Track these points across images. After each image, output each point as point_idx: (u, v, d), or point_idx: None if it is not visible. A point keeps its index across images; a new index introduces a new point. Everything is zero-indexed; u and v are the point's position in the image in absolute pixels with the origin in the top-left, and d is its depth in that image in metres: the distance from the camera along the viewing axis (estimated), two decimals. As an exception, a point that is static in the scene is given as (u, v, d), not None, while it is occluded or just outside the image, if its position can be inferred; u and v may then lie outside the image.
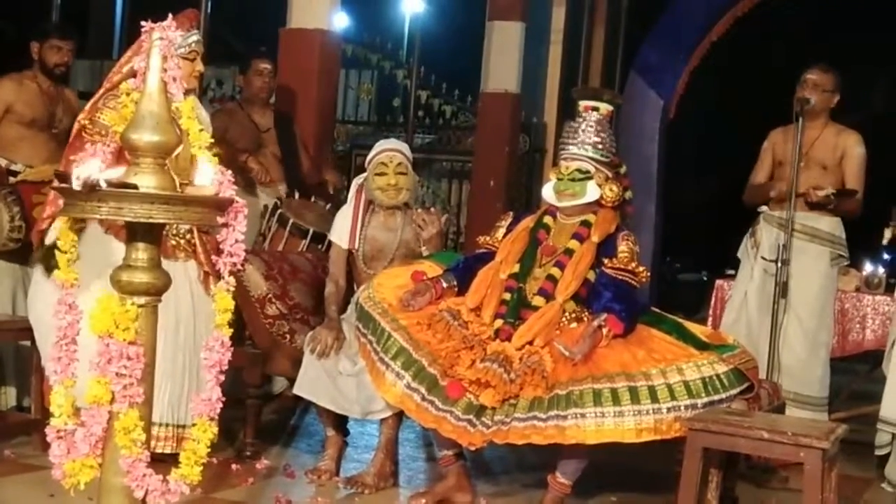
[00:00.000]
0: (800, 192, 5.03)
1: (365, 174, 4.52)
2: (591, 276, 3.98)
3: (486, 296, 4.00)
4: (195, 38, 4.13)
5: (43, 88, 5.14)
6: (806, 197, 5.07)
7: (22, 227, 4.66)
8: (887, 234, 5.40)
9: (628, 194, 4.17)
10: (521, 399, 3.71)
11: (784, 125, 5.29)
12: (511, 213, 4.35)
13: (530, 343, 3.83)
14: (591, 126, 4.07)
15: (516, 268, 4.04)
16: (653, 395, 3.64)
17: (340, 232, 4.52)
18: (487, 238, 4.27)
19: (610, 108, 4.16)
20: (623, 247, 4.01)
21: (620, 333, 3.82)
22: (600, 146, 4.06)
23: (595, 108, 4.10)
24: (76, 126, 4.10)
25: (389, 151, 4.47)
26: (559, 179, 4.08)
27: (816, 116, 5.15)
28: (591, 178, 4.04)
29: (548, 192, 4.14)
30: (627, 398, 3.63)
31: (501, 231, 4.24)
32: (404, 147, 4.59)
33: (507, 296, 3.97)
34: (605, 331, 3.80)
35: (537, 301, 3.94)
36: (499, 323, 3.92)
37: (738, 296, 5.40)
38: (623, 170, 4.20)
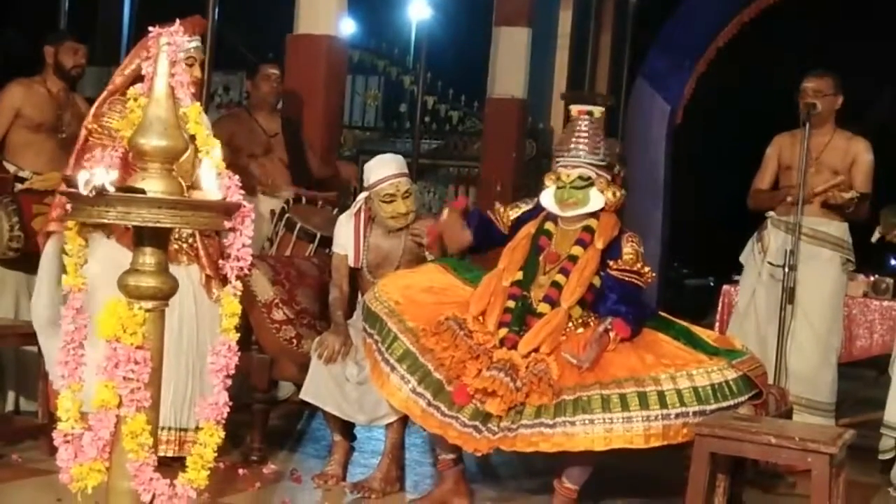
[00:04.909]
0: (817, 192, 5.03)
1: (367, 193, 4.45)
2: (597, 281, 3.93)
3: (489, 303, 3.95)
4: (195, 44, 4.11)
5: (52, 93, 5.15)
6: (828, 199, 5.06)
7: (21, 237, 4.71)
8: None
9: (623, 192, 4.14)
10: (528, 406, 3.69)
11: (790, 130, 5.29)
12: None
13: (536, 350, 3.80)
14: (588, 131, 3.99)
15: (519, 275, 3.98)
16: (662, 400, 3.62)
17: (344, 245, 4.50)
18: (502, 210, 4.20)
19: (602, 110, 4.12)
20: (628, 248, 3.96)
21: (627, 337, 3.81)
22: (599, 151, 3.98)
23: (589, 113, 4.05)
24: (83, 131, 4.11)
25: (394, 179, 4.37)
26: (560, 188, 3.98)
27: (823, 122, 5.15)
28: (592, 184, 3.96)
29: (548, 201, 4.02)
30: (636, 403, 3.61)
31: (516, 213, 4.17)
32: (403, 165, 4.49)
33: (512, 303, 3.92)
34: (611, 335, 3.78)
35: (543, 308, 3.89)
36: (503, 331, 3.87)
37: (744, 301, 5.38)
38: (617, 169, 4.16)
